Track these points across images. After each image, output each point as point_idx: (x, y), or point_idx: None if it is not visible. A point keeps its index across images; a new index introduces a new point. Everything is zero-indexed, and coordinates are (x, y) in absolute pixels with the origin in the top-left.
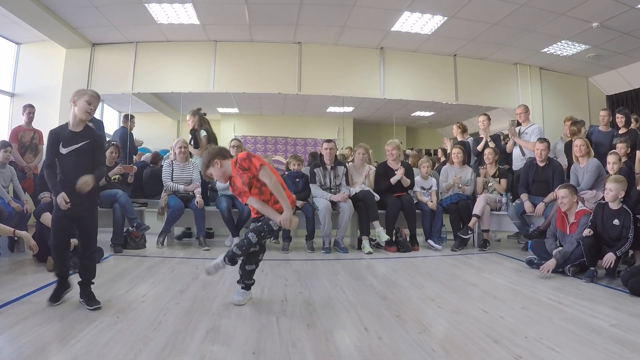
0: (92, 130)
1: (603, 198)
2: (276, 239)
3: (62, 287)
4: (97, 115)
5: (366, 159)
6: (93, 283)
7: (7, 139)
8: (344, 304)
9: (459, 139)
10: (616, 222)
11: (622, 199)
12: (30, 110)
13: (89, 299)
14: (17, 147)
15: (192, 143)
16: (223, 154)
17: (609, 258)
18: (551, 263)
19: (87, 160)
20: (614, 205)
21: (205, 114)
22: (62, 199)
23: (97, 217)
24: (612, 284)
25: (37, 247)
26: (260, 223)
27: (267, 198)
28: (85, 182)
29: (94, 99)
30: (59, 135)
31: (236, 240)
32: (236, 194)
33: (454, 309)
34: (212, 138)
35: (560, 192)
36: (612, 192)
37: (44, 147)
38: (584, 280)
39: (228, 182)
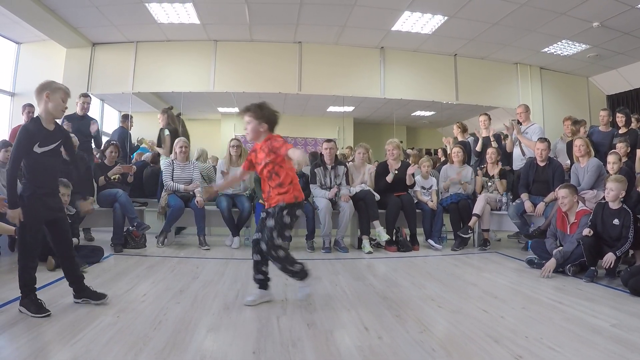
0: (61, 127)
1: (604, 198)
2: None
3: (35, 296)
4: (97, 114)
5: (366, 159)
6: (84, 277)
7: (7, 139)
8: (344, 304)
9: (460, 138)
10: (616, 221)
11: (622, 199)
12: (29, 109)
13: (92, 295)
14: None
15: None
16: (274, 122)
17: (609, 258)
18: (551, 264)
19: (59, 160)
20: (614, 205)
21: (179, 114)
22: (17, 214)
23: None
24: (612, 284)
25: None
26: (271, 220)
27: (273, 185)
28: (87, 206)
29: (67, 97)
30: (36, 133)
31: (236, 239)
32: (254, 162)
33: (454, 308)
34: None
35: (561, 192)
36: (614, 191)
37: None
38: (584, 280)
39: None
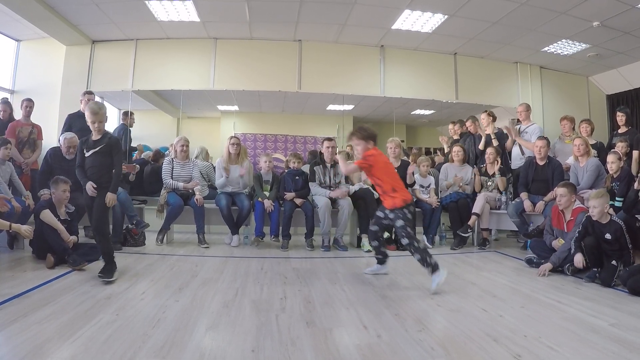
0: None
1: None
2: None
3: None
4: None
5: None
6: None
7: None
8: (343, 302)
9: (455, 137)
10: (608, 236)
11: (609, 212)
12: (27, 104)
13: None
14: (14, 143)
15: None
16: (374, 138)
17: (579, 259)
18: (547, 266)
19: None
20: (602, 220)
21: None
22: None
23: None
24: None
25: (31, 233)
26: (399, 217)
27: (380, 191)
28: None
29: (92, 116)
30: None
31: (235, 238)
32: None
33: (453, 307)
34: None
35: (559, 190)
36: (597, 208)
37: (42, 142)
38: (585, 280)
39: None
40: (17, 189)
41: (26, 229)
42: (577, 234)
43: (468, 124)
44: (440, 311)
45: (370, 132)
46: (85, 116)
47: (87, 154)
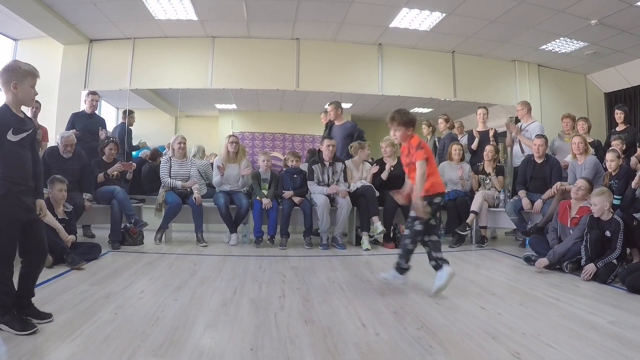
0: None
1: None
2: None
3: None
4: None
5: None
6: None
7: None
8: (341, 300)
9: (441, 129)
10: (608, 233)
11: (611, 209)
12: (35, 105)
13: (37, 314)
14: None
15: None
16: (413, 125)
17: (589, 269)
18: (543, 261)
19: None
20: (604, 217)
21: None
22: None
23: None
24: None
25: None
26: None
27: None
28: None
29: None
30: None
31: (234, 236)
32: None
33: (451, 305)
34: None
35: (580, 182)
36: (597, 205)
37: (47, 143)
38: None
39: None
40: None
41: None
42: (583, 234)
43: (330, 108)
44: (439, 309)
45: (411, 116)
46: (21, 78)
47: (15, 138)
